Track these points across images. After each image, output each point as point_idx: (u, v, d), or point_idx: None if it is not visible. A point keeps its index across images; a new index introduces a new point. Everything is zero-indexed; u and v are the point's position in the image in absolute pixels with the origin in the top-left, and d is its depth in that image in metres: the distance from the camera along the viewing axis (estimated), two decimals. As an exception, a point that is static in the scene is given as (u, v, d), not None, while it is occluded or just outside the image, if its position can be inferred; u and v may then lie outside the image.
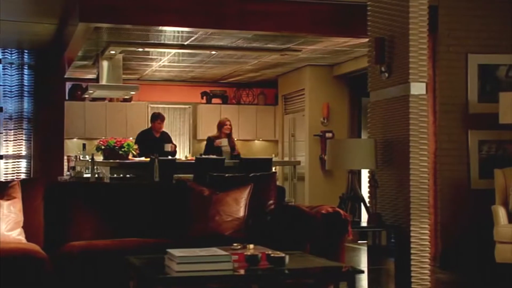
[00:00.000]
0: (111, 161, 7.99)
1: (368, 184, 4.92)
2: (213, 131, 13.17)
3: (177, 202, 4.60)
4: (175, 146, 9.61)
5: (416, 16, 4.58)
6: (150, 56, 9.85)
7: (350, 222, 4.34)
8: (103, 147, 8.11)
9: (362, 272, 3.83)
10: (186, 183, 4.68)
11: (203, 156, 8.50)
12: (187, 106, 13.22)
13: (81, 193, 4.61)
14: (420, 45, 4.59)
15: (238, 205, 4.46)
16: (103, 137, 11.57)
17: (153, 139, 9.46)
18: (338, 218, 4.31)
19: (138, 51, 8.79)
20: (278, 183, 11.70)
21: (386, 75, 4.91)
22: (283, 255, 3.14)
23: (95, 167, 7.69)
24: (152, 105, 12.93)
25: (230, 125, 9.64)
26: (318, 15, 7.20)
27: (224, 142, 9.18)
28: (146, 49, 8.69)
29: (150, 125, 9.94)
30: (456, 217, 6.92)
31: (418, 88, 4.58)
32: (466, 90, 7.14)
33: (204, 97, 13.04)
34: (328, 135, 10.50)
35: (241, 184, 4.55)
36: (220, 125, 9.69)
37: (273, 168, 10.34)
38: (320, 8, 7.22)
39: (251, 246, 3.45)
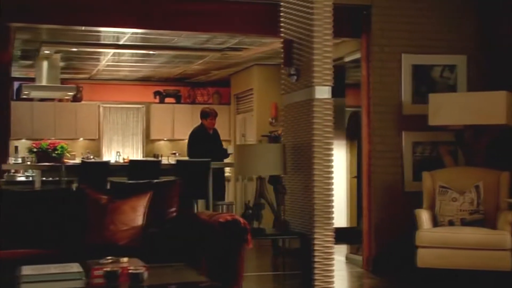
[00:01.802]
0: (42, 164, 7.79)
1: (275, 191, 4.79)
2: (166, 131, 13.07)
3: (76, 210, 4.44)
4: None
5: (321, 18, 4.46)
6: (92, 56, 9.66)
7: (250, 231, 4.21)
8: (35, 150, 7.90)
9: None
10: (85, 190, 4.51)
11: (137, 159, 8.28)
12: (140, 106, 13.03)
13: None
14: (324, 48, 4.47)
15: (136, 213, 4.31)
16: (52, 138, 11.37)
17: (208, 137, 8.91)
18: (237, 227, 4.17)
19: (73, 51, 8.60)
20: (230, 184, 11.61)
21: (295, 78, 4.79)
22: (142, 270, 2.99)
23: (28, 170, 7.50)
24: (104, 105, 12.74)
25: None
26: (250, 15, 7.05)
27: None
28: (81, 49, 8.50)
29: (200, 122, 9.18)
30: (389, 221, 6.83)
31: (322, 92, 4.46)
32: (400, 91, 7.06)
33: (157, 97, 12.86)
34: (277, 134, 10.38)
35: (140, 192, 4.40)
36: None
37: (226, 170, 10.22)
38: (252, 8, 7.08)
39: (125, 259, 3.30)
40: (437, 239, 5.68)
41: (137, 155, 12.80)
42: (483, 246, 5.56)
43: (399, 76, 7.05)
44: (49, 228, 4.41)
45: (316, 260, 4.41)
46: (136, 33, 7.59)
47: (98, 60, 10.11)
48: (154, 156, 12.72)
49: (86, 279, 2.98)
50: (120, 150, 12.64)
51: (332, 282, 4.41)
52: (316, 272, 4.40)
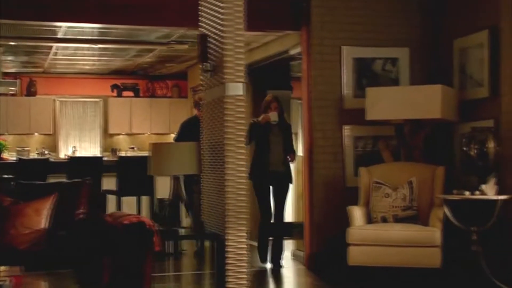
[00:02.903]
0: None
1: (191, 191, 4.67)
2: (124, 126, 12.88)
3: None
4: None
5: (231, 12, 4.31)
6: (37, 50, 9.45)
7: (156, 233, 4.08)
8: (-27, 146, 7.73)
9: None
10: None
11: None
12: (97, 100, 12.83)
13: None
14: (236, 43, 4.33)
15: (39, 216, 4.17)
16: (5, 133, 11.16)
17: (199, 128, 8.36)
18: (142, 229, 4.04)
19: (11, 44, 8.40)
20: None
21: (211, 74, 4.65)
22: (5, 281, 2.86)
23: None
24: (60, 99, 12.53)
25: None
26: (185, 8, 6.89)
27: (274, 115, 7.01)
28: (20, 43, 8.30)
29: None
30: (331, 216, 6.72)
31: (235, 89, 4.32)
32: (341, 85, 6.94)
33: (115, 90, 12.66)
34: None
35: (45, 194, 4.25)
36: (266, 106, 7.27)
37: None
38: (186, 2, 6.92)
39: (2, 268, 3.16)
40: (367, 236, 5.59)
41: (95, 150, 12.62)
42: (413, 243, 5.47)
43: (340, 69, 6.93)
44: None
45: (229, 262, 4.29)
46: (73, 27, 7.41)
47: (46, 54, 9.90)
48: (112, 150, 12.56)
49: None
50: (77, 145, 12.46)
51: (244, 284, 4.29)
52: (228, 274, 4.28)
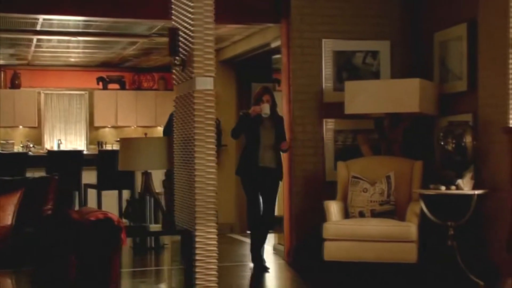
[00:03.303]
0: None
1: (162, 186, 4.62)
2: (110, 118, 12.79)
3: None
4: None
5: (201, 6, 4.25)
6: (18, 42, 9.36)
7: (124, 229, 4.02)
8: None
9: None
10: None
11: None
12: (83, 92, 12.74)
13: None
14: (206, 37, 4.27)
15: (5, 212, 4.09)
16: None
17: None
18: (109, 226, 3.98)
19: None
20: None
21: (181, 68, 4.59)
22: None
23: None
24: (45, 92, 12.44)
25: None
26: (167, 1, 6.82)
27: (266, 108, 6.42)
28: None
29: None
30: (310, 211, 6.67)
31: (204, 83, 4.27)
32: (321, 78, 6.88)
33: (100, 83, 12.57)
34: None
35: (11, 189, 4.19)
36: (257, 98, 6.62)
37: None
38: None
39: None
40: (343, 232, 5.55)
41: (81, 143, 12.54)
42: (389, 238, 5.44)
43: (320, 62, 6.88)
44: None
45: (197, 258, 4.25)
46: (51, 19, 7.33)
47: (29, 46, 9.81)
48: (98, 143, 12.49)
49: None
50: (63, 138, 12.38)
51: (213, 280, 4.25)
52: (197, 270, 4.24)
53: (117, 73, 12.73)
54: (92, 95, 12.66)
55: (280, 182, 6.74)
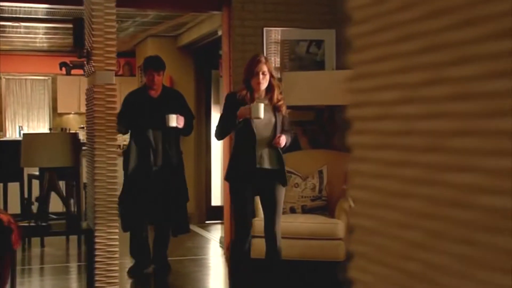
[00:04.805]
0: None
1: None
2: (74, 104, 12.59)
3: None
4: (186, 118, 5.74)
5: (100, -5, 4.05)
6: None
7: (17, 230, 3.87)
8: None
9: None
10: None
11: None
12: (46, 78, 12.52)
13: None
14: (106, 29, 4.08)
15: None
16: None
17: (148, 102, 5.93)
18: (-1, 227, 3.82)
19: None
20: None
21: (87, 60, 4.40)
22: None
23: None
24: (7, 77, 12.21)
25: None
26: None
27: (258, 109, 4.46)
28: None
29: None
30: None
31: (104, 77, 4.09)
32: (264, 68, 6.69)
33: (63, 68, 12.33)
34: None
35: None
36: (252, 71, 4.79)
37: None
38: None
39: None
40: (269, 229, 5.37)
41: (44, 129, 12.34)
42: (316, 236, 5.28)
43: (262, 52, 6.68)
44: None
45: (97, 259, 4.09)
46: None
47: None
48: (62, 130, 12.29)
49: None
50: (25, 125, 12.18)
51: (115, 283, 4.09)
52: (97, 272, 4.08)
53: (81, 58, 12.47)
54: (55, 80, 12.43)
55: (284, 189, 4.80)
